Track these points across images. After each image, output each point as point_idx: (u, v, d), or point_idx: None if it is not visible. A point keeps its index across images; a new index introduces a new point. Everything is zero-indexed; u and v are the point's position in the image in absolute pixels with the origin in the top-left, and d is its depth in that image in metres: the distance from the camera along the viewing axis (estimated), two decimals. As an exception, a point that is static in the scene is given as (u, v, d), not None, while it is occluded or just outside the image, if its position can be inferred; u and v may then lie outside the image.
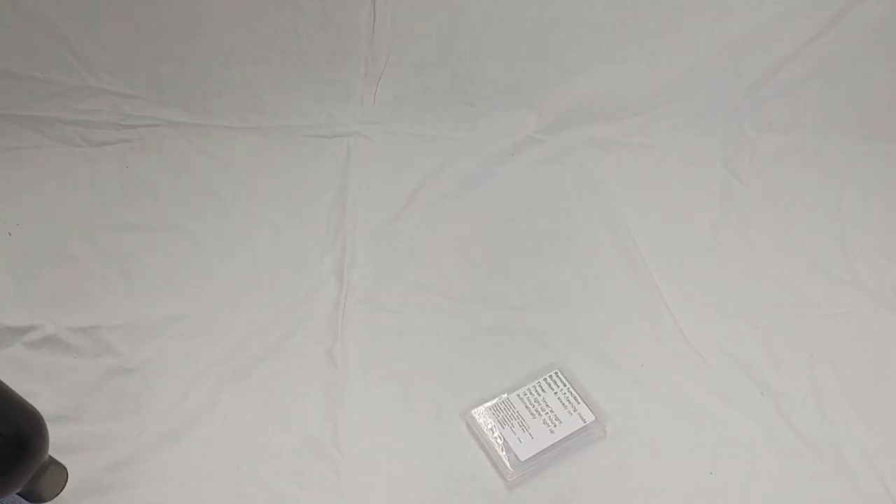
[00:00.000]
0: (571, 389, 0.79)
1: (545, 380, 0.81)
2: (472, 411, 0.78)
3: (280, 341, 0.85)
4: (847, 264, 0.97)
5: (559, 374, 0.81)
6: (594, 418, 0.77)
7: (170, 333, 0.85)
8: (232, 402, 0.80)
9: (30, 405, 0.55)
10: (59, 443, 0.75)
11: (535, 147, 1.11)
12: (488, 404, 0.79)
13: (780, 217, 1.03)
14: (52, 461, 0.57)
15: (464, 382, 0.83)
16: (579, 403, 0.78)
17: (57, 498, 0.71)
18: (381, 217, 1.00)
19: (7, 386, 0.54)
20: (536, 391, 0.80)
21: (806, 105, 1.14)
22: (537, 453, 0.75)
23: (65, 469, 0.60)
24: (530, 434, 0.76)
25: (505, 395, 0.79)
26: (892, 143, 1.14)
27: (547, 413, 0.78)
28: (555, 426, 0.77)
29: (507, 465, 0.74)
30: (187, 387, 0.81)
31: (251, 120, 1.11)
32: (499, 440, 0.75)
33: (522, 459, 0.74)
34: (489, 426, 0.77)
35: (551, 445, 0.75)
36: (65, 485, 0.61)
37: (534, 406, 0.78)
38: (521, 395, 0.79)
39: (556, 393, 0.80)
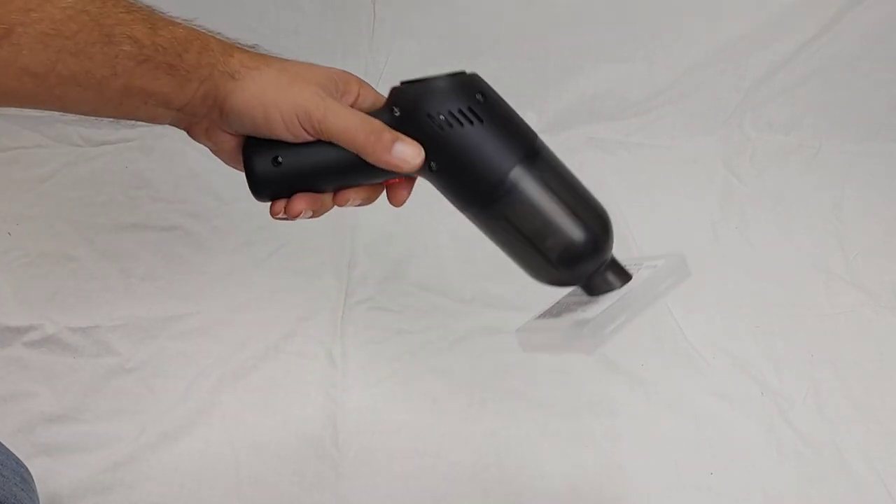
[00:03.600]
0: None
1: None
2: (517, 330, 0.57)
3: (280, 341, 0.85)
4: (847, 264, 0.97)
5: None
6: (666, 256, 0.50)
7: (170, 333, 0.85)
8: (232, 402, 0.80)
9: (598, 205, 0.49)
10: (59, 443, 0.76)
11: (535, 147, 1.11)
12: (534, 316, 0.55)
13: (780, 217, 1.03)
14: (613, 262, 0.49)
15: (464, 382, 0.83)
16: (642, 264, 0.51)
17: (56, 498, 0.72)
18: (380, 217, 1.00)
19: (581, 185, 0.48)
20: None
21: (806, 105, 1.14)
22: (610, 306, 0.48)
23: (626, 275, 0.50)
24: (595, 302, 0.50)
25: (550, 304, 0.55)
26: (892, 143, 1.14)
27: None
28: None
29: (579, 333, 0.48)
30: (187, 387, 0.81)
31: (251, 120, 1.11)
32: (561, 323, 0.51)
33: (591, 317, 0.48)
34: (545, 321, 0.54)
35: (622, 297, 0.49)
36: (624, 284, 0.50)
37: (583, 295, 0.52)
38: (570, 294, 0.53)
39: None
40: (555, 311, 0.54)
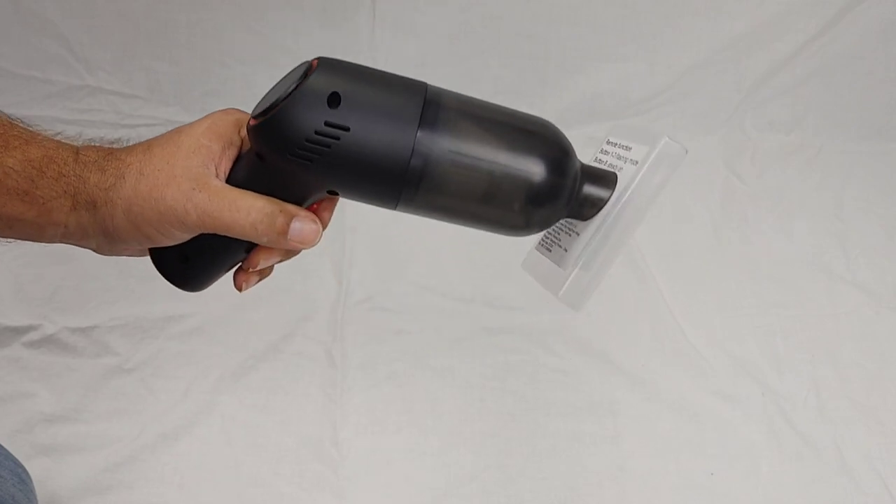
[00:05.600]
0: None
1: None
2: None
3: (279, 341, 0.85)
4: (848, 264, 0.97)
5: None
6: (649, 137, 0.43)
7: (169, 333, 0.85)
8: (231, 403, 0.80)
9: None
10: (59, 443, 0.75)
11: (535, 147, 1.11)
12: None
13: (781, 217, 1.03)
14: (585, 172, 0.42)
15: (464, 382, 0.82)
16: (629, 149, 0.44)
17: (56, 499, 0.71)
18: (381, 217, 1.00)
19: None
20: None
21: (806, 105, 1.14)
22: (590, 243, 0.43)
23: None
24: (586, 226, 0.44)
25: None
26: (892, 143, 1.14)
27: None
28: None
29: (558, 289, 0.44)
30: (186, 387, 0.81)
31: (251, 120, 1.11)
32: (552, 258, 0.47)
33: (573, 257, 0.44)
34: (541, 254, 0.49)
35: (610, 217, 0.43)
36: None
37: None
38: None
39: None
40: (547, 242, 0.48)
